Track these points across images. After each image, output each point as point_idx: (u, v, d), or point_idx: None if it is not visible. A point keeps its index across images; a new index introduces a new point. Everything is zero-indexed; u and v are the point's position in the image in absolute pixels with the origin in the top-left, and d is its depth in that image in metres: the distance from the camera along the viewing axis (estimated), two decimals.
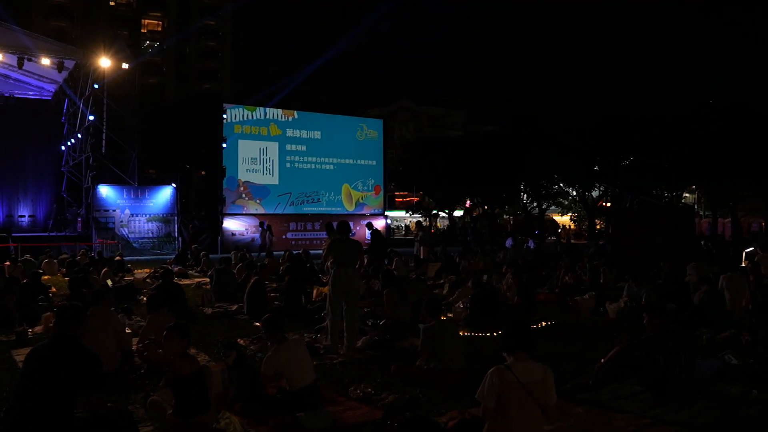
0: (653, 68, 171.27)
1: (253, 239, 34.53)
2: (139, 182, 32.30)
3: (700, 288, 12.50)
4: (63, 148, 34.71)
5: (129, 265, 22.57)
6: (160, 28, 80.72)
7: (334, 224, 10.80)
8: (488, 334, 10.76)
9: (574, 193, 55.14)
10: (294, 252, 22.56)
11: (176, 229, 32.63)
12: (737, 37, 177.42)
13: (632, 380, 7.35)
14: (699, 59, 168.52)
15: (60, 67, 28.77)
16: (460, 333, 9.38)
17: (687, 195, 64.37)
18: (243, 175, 36.04)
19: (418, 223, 23.52)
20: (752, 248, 24.47)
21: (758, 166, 41.96)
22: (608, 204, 52.83)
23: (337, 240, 10.21)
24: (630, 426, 6.26)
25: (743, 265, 19.64)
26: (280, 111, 37.57)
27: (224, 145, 34.91)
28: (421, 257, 24.09)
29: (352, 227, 20.15)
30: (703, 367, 7.83)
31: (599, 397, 7.14)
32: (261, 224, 29.79)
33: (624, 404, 6.93)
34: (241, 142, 35.90)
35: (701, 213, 61.86)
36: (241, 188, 35.99)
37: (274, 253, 24.96)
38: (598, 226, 55.51)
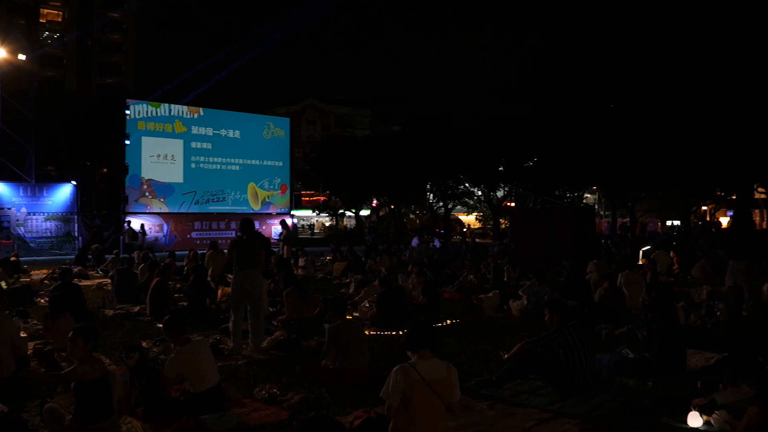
0: (557, 71, 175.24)
1: (156, 239, 33.86)
2: (37, 179, 31.23)
3: (601, 285, 12.84)
4: None
5: (25, 266, 21.76)
6: (60, 19, 77.65)
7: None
8: (394, 333, 10.81)
9: (480, 193, 56.01)
10: (199, 251, 22.19)
11: (76, 229, 31.68)
12: (637, 42, 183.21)
13: (534, 375, 7.49)
14: (601, 64, 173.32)
15: None
16: (366, 332, 9.41)
17: (588, 195, 66.16)
18: (147, 173, 35.17)
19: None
20: (649, 247, 25.32)
21: (653, 168, 43.47)
22: (512, 204, 53.87)
23: (238, 239, 9.99)
24: (532, 420, 6.37)
25: (640, 263, 20.29)
26: (185, 108, 36.84)
27: (127, 142, 33.96)
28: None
29: (258, 226, 19.98)
30: (602, 362, 8.07)
31: (502, 392, 7.25)
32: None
33: (526, 399, 7.07)
34: (144, 139, 35.00)
35: (601, 213, 63.73)
36: (145, 186, 35.13)
37: (177, 252, 24.44)
38: (502, 226, 56.50)
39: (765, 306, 10.78)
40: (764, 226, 49.69)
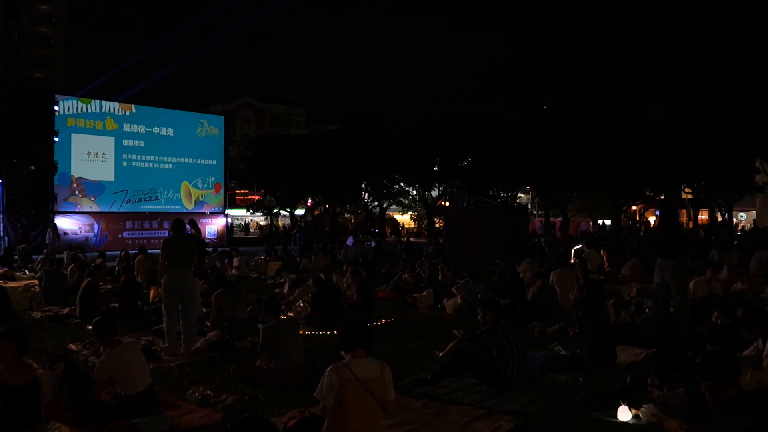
0: (491, 72, 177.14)
1: (87, 238, 33.18)
2: None
3: (534, 283, 13.02)
4: None
5: None
6: None
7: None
8: (329, 332, 10.77)
9: (414, 192, 56.18)
10: (131, 252, 21.81)
11: (2, 228, 30.79)
12: (572, 44, 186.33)
13: (468, 373, 7.56)
14: (536, 65, 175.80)
15: None
16: (301, 332, 9.36)
17: (521, 195, 66.92)
18: (76, 171, 34.39)
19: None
20: (580, 246, 25.76)
21: (585, 168, 44.22)
22: (447, 203, 54.18)
23: (171, 238, 9.92)
24: (466, 417, 6.42)
25: (572, 261, 20.65)
26: (116, 104, 36.09)
27: (56, 139, 33.15)
28: None
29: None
30: (535, 359, 8.19)
31: (437, 390, 7.30)
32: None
33: (460, 397, 7.12)
34: (74, 136, 34.21)
35: (534, 212, 64.54)
36: (75, 185, 34.34)
37: (107, 252, 24.00)
38: (437, 225, 56.77)
39: (691, 303, 11.06)
40: (690, 225, 50.91)
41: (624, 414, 6.19)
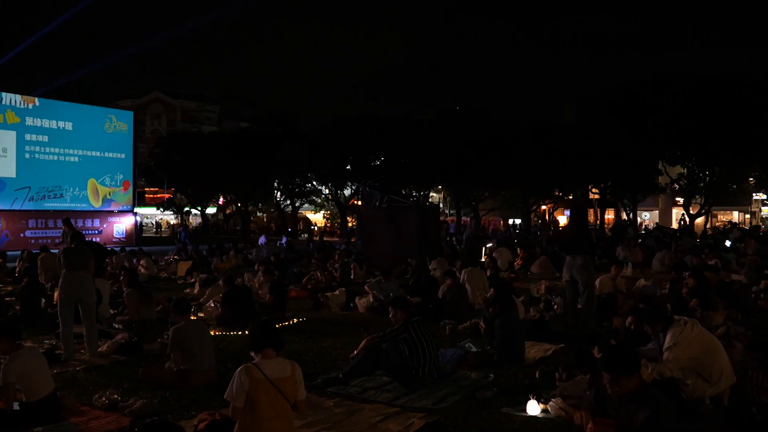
0: (402, 71, 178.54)
1: None
2: None
3: (445, 281, 13.15)
4: None
5: None
6: None
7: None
8: (240, 333, 10.65)
9: (327, 191, 56.13)
10: (33, 252, 21.09)
11: None
12: (481, 47, 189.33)
13: (380, 371, 7.59)
14: (445, 67, 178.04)
15: None
16: (212, 332, 9.23)
17: (434, 194, 67.54)
18: None
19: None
20: (491, 244, 26.15)
21: (495, 168, 44.96)
22: (359, 202, 54.25)
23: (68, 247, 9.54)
24: (379, 416, 6.44)
25: (483, 259, 20.96)
26: (18, 97, 34.71)
27: None
28: None
29: (98, 224, 19.31)
30: (446, 356, 8.30)
31: (349, 389, 7.31)
32: None
33: (373, 395, 7.14)
34: None
35: (446, 211, 65.25)
36: None
37: (8, 253, 23.16)
38: (350, 224, 56.82)
39: (597, 299, 11.34)
40: (598, 224, 52.31)
41: (533, 408, 6.33)
